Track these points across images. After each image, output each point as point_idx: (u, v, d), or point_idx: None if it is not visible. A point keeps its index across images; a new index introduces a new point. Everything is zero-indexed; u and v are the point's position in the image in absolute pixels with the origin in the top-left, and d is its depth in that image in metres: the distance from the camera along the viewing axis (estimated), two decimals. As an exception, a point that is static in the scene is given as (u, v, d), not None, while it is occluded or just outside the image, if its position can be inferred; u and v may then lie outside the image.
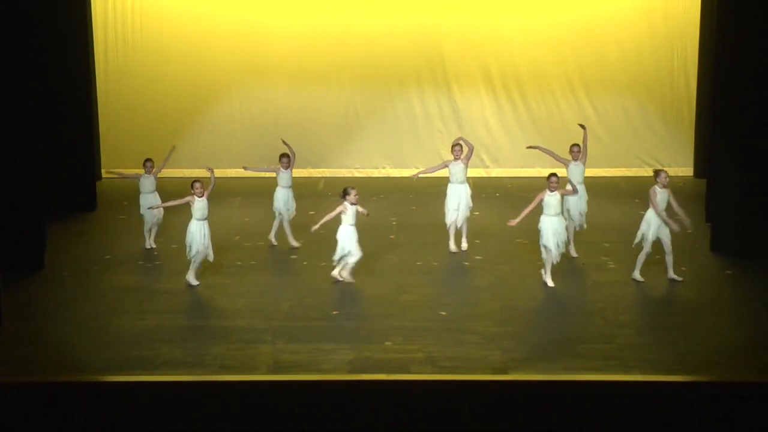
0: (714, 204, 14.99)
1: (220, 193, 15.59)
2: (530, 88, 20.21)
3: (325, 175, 19.98)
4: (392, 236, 15.27)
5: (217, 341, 11.62)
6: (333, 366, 10.94)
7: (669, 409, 10.03)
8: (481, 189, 15.39)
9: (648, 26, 19.96)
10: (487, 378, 10.61)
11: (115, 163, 19.94)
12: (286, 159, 15.12)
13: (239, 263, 14.07)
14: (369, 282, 13.86)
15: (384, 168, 20.06)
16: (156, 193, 15.29)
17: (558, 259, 13.42)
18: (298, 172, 19.86)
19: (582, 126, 15.48)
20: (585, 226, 14.74)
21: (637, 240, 13.62)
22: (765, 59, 14.08)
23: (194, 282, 13.41)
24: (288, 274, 13.83)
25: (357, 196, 13.40)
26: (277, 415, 10.09)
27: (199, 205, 13.42)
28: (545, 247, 13.39)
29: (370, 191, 15.11)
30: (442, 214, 15.31)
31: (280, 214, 15.07)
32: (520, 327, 12.05)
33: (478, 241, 15.17)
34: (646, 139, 19.96)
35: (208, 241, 13.38)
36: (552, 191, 13.41)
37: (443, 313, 12.58)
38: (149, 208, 14.93)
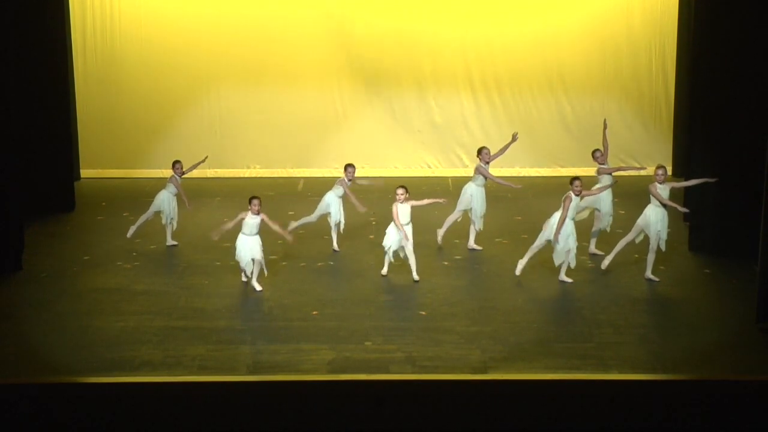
0: (692, 203, 15.05)
1: (199, 193, 15.58)
2: (509, 87, 20.24)
3: (304, 176, 19.96)
4: (371, 236, 15.26)
5: (196, 342, 11.60)
6: (313, 366, 10.94)
7: (647, 408, 10.08)
8: (459, 188, 15.39)
9: (626, 25, 20.02)
10: (466, 377, 10.63)
11: (93, 163, 19.94)
12: (352, 168, 15.10)
13: (218, 263, 14.04)
14: (348, 282, 13.87)
15: (363, 168, 20.02)
16: (176, 196, 15.17)
17: (561, 260, 13.51)
18: (276, 172, 20.01)
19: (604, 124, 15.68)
20: (609, 229, 14.82)
21: (638, 239, 13.72)
22: (743, 58, 14.14)
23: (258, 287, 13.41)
24: (267, 274, 13.81)
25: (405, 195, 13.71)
26: (257, 415, 10.08)
27: (251, 222, 13.37)
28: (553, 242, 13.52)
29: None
30: (421, 215, 15.37)
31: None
32: (499, 326, 12.07)
33: (457, 241, 15.19)
34: (625, 139, 20.00)
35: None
36: (576, 196, 13.48)
37: (422, 312, 12.60)
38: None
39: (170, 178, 15.19)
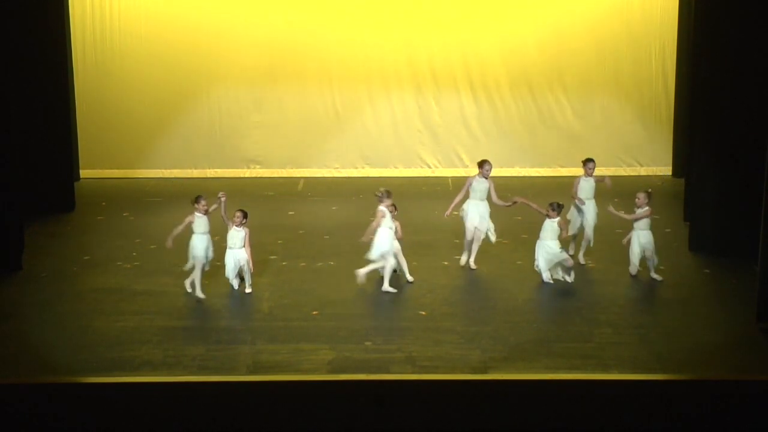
0: (692, 203, 15.05)
1: (200, 194, 15.53)
2: (509, 87, 20.21)
3: (304, 176, 19.96)
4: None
5: (196, 342, 11.60)
6: (313, 366, 10.93)
7: (647, 408, 10.08)
8: (458, 188, 15.37)
9: (626, 26, 20.00)
10: (466, 377, 10.63)
11: (93, 163, 19.90)
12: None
13: (218, 263, 14.02)
14: (348, 282, 13.85)
15: (363, 168, 20.06)
16: (209, 234, 13.23)
17: (549, 279, 13.51)
18: (276, 172, 20.01)
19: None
20: (591, 243, 14.58)
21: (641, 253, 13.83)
22: (743, 58, 14.14)
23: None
24: (267, 274, 13.81)
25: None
26: (257, 415, 10.09)
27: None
28: (537, 267, 13.58)
29: (349, 191, 15.10)
30: (421, 215, 15.35)
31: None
32: (499, 326, 12.06)
33: (457, 241, 15.17)
34: (625, 139, 20.02)
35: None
36: (550, 218, 13.47)
37: (423, 312, 12.59)
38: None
39: (192, 216, 13.23)
